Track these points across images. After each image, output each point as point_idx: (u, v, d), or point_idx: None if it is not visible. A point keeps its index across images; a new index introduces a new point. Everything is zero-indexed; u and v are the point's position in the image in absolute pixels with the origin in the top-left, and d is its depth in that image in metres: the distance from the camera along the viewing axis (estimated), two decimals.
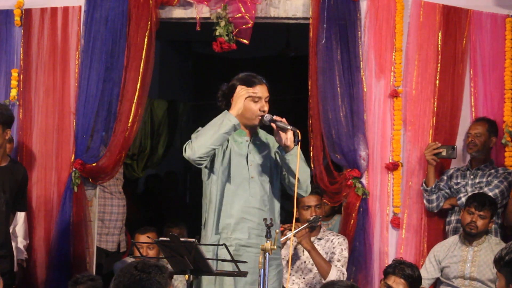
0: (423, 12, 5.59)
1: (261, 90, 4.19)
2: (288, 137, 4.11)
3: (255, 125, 4.23)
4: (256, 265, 3.95)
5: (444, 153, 5.39)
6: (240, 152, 4.24)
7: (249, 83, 4.20)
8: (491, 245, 5.02)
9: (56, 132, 5.66)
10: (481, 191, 5.23)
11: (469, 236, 5.04)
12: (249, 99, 4.16)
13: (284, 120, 4.15)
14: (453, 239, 5.18)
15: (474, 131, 5.40)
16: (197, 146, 4.09)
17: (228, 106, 4.24)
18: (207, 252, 4.03)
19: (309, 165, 4.58)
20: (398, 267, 4.48)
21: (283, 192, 4.42)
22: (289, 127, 4.11)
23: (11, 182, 4.73)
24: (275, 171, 4.32)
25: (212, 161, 4.22)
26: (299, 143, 4.12)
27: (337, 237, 5.22)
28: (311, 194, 5.08)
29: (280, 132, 4.13)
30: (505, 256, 2.73)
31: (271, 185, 4.30)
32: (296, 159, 4.11)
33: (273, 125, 4.14)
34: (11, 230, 5.29)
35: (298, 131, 4.10)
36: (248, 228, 4.19)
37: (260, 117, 4.18)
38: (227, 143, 4.23)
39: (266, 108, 4.19)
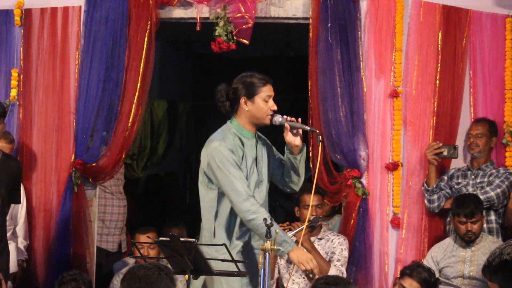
0: (423, 12, 5.59)
1: (271, 89, 4.17)
2: (299, 137, 4.11)
3: (265, 124, 4.18)
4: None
5: (445, 153, 5.38)
6: (250, 156, 4.18)
7: (259, 84, 4.13)
8: (488, 244, 5.01)
9: (56, 132, 5.65)
10: (482, 190, 5.23)
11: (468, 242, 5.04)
12: (261, 98, 4.13)
13: (299, 120, 4.13)
14: (449, 240, 5.17)
15: (475, 131, 5.39)
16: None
17: (233, 108, 4.18)
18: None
19: (308, 165, 4.58)
20: (416, 270, 4.43)
21: (283, 192, 4.41)
22: (307, 127, 4.10)
23: (6, 176, 4.72)
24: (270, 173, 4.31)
25: None
26: (321, 144, 4.10)
27: (337, 237, 5.22)
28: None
29: (292, 132, 4.11)
30: (492, 261, 2.66)
31: (267, 186, 4.29)
32: (303, 159, 4.13)
33: (286, 124, 4.10)
34: (11, 231, 5.29)
35: (317, 131, 4.11)
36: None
37: (270, 116, 4.14)
38: (243, 149, 4.15)
39: (275, 107, 4.16)
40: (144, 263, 3.08)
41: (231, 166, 4.01)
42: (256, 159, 4.19)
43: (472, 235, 4.98)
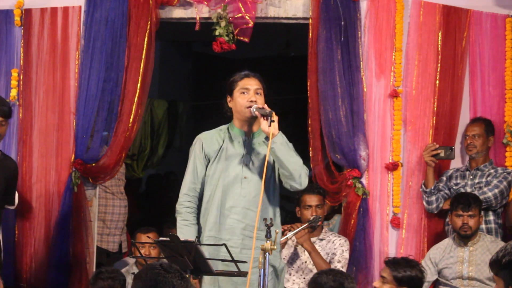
0: (423, 12, 5.59)
1: (249, 82, 4.18)
2: (272, 124, 4.05)
3: (248, 117, 4.18)
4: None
5: (442, 154, 5.38)
6: (235, 152, 4.21)
7: (237, 79, 4.21)
8: (486, 244, 5.02)
9: (56, 132, 5.65)
10: (480, 191, 5.23)
11: (464, 238, 5.04)
12: (238, 92, 4.18)
13: (265, 106, 4.11)
14: (448, 241, 5.17)
15: (472, 132, 5.38)
16: None
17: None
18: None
19: (308, 165, 4.53)
20: (393, 261, 4.31)
21: (283, 192, 4.38)
22: (266, 111, 4.06)
23: (2, 176, 4.72)
24: (274, 171, 4.27)
25: (208, 161, 4.25)
26: (272, 122, 4.00)
27: (338, 238, 5.22)
28: (312, 194, 5.09)
29: (263, 120, 4.06)
30: (501, 258, 2.69)
31: (268, 185, 4.25)
32: (281, 147, 4.05)
33: (257, 113, 4.10)
34: None
35: (273, 112, 4.04)
36: (235, 228, 4.16)
37: (250, 109, 4.14)
38: (222, 143, 4.24)
39: (254, 99, 4.14)
40: (151, 265, 3.02)
41: (191, 159, 4.28)
42: (242, 156, 4.20)
43: (468, 229, 4.97)
